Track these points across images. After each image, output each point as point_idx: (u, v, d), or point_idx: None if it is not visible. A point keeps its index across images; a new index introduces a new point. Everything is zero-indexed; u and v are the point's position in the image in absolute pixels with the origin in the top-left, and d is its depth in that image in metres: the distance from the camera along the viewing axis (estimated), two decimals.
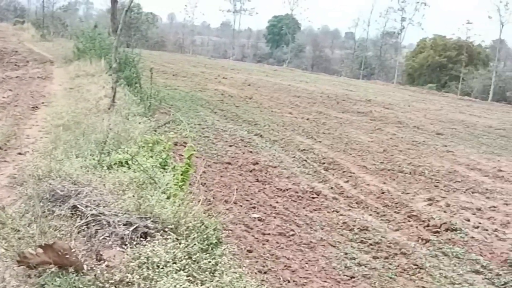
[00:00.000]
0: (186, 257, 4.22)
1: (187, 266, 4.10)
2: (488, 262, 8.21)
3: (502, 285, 7.56)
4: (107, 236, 4.61)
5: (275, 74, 44.03)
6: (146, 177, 6.50)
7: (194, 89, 25.88)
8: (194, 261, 4.25)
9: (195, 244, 4.47)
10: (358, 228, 9.24)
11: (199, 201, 5.58)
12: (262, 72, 44.74)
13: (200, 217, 5.05)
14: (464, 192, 12.16)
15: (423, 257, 8.30)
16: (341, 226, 9.35)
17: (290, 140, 16.25)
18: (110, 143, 8.87)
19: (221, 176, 11.34)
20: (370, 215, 10.13)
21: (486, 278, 7.73)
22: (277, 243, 8.21)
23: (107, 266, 3.97)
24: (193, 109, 19.42)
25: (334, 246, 8.40)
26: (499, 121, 27.05)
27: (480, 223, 10.07)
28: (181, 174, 6.00)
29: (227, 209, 9.05)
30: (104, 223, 4.83)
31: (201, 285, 3.95)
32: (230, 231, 8.16)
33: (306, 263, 7.64)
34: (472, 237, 9.26)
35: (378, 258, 8.12)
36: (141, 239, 4.53)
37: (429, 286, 7.32)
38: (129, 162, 7.59)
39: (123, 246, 4.34)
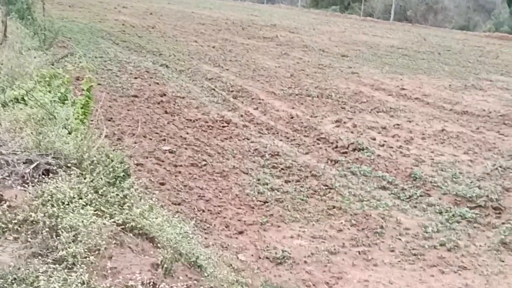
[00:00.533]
0: (92, 191, 4.02)
1: (94, 201, 3.92)
2: (394, 178, 8.54)
3: (407, 198, 7.91)
4: (7, 176, 4.32)
5: (177, 1, 42.78)
6: (44, 112, 6.10)
7: (93, 20, 24.65)
8: (101, 195, 4.07)
9: (101, 178, 4.27)
10: (270, 154, 9.30)
11: (102, 135, 5.31)
12: (164, 0, 43.34)
13: (105, 150, 4.82)
14: (370, 112, 12.51)
15: (332, 177, 8.51)
16: (253, 153, 9.38)
17: (197, 69, 15.94)
18: (3, 79, 8.25)
19: (128, 110, 10.99)
20: (281, 140, 10.21)
21: (392, 193, 8.06)
22: (190, 174, 8.13)
23: (8, 206, 3.72)
24: (93, 42, 18.49)
25: (246, 173, 8.43)
26: (401, 41, 27.87)
27: (385, 141, 10.42)
28: (81, 108, 5.67)
29: (135, 142, 8.81)
30: (2, 162, 4.52)
31: (110, 219, 3.79)
32: (141, 165, 7.99)
33: (220, 192, 7.63)
34: (378, 155, 9.57)
35: (290, 181, 8.24)
36: (43, 176, 4.28)
37: (339, 205, 7.52)
38: (26, 98, 7.11)
39: (25, 185, 4.08)
